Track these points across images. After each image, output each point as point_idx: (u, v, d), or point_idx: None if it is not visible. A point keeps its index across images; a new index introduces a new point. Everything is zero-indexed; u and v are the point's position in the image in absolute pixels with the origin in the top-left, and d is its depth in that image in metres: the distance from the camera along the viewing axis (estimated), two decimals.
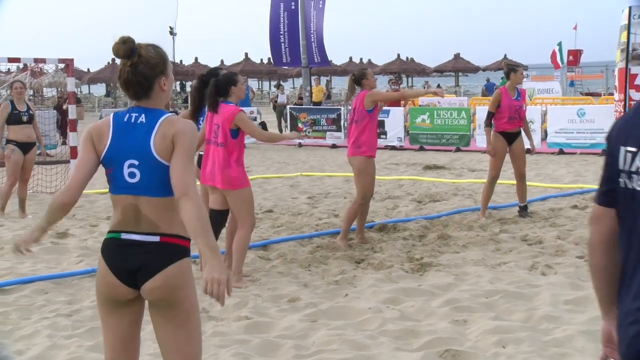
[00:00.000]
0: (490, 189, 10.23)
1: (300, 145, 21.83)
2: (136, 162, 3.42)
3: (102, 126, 3.54)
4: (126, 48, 3.45)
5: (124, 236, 3.45)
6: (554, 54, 37.61)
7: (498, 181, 13.75)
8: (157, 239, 3.41)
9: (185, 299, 3.46)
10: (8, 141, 10.91)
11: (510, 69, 10.24)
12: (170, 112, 3.66)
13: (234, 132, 7.05)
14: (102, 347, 5.55)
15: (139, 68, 3.46)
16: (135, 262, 3.41)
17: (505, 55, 59.29)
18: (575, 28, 43.42)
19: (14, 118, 10.91)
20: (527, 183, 13.37)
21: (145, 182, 3.42)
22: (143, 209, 3.42)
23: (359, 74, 8.66)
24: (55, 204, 3.53)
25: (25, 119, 10.98)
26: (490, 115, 10.05)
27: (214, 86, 7.13)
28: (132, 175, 3.43)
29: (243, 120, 7.09)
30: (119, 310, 3.54)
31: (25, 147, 10.98)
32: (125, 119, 3.50)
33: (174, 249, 3.44)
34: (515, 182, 10.57)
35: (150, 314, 3.56)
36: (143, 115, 3.48)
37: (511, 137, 10.08)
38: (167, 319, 3.47)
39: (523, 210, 10.27)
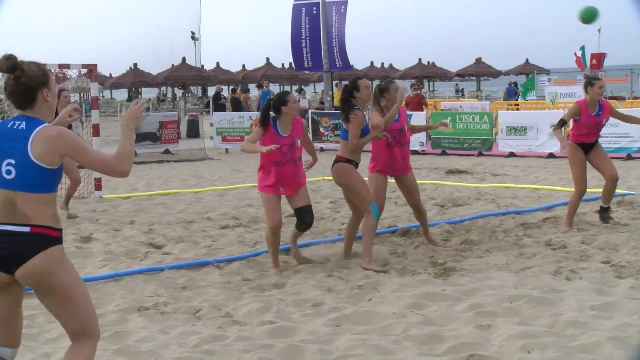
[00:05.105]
0: (577, 203, 9.59)
1: (322, 149, 21.82)
2: (13, 162, 3.88)
3: None
4: (9, 64, 3.92)
5: (0, 227, 3.87)
6: (579, 60, 37.35)
7: (520, 186, 13.79)
8: (27, 229, 3.85)
9: (57, 284, 3.88)
10: None
11: (587, 83, 9.61)
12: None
13: None
14: (127, 351, 5.59)
15: (22, 81, 3.94)
16: (7, 250, 3.84)
17: (527, 60, 59.05)
18: (599, 31, 43.10)
19: None
20: (549, 187, 13.37)
21: (20, 179, 3.87)
22: (19, 203, 3.87)
23: (384, 86, 8.39)
24: None
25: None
26: (563, 124, 9.33)
27: (267, 105, 7.70)
28: (8, 172, 3.89)
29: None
30: None
31: None
32: (9, 126, 3.97)
33: (43, 239, 3.86)
34: (597, 185, 9.91)
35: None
36: (24, 123, 3.94)
37: (588, 148, 9.53)
38: (48, 299, 3.95)
39: (604, 212, 9.71)
